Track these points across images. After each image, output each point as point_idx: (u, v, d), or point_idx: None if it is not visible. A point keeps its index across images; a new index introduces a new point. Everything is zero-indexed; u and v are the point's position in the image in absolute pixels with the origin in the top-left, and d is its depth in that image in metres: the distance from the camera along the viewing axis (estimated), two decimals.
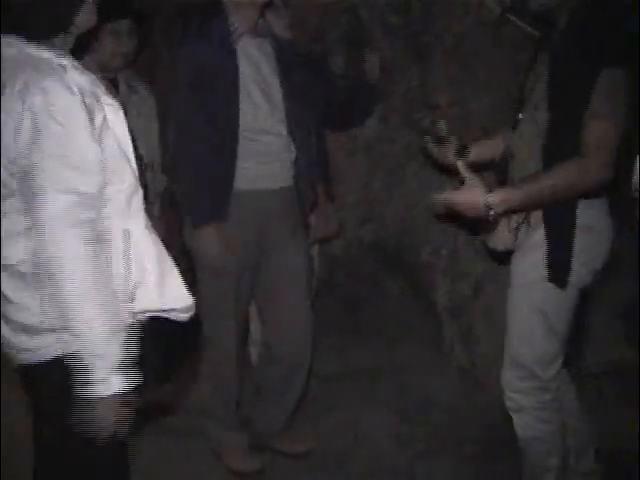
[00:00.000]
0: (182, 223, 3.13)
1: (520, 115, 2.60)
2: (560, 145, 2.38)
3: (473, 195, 2.41)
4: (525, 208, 2.47)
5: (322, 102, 3.33)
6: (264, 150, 3.04)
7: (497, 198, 2.37)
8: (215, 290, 3.08)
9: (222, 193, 2.99)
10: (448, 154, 2.81)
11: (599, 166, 2.27)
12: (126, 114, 1.99)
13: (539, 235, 2.49)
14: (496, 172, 2.69)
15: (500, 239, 2.63)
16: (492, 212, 2.37)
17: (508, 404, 2.67)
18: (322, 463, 3.33)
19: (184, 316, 2.03)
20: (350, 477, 3.25)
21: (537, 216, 2.50)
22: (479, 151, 2.87)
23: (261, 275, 3.19)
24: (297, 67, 3.17)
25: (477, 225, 2.77)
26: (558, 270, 2.45)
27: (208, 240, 2.99)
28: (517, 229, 2.58)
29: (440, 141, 2.85)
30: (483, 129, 3.48)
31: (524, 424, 2.66)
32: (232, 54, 2.98)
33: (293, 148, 3.11)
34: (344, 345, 4.08)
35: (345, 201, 3.98)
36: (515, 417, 2.67)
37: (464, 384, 3.70)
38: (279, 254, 3.17)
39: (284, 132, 3.08)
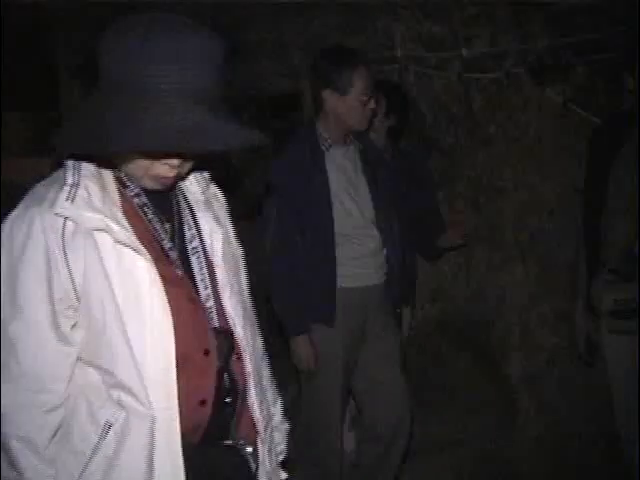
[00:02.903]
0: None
1: None
2: None
3: None
4: None
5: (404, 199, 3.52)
6: (358, 251, 3.21)
7: None
8: (321, 387, 3.26)
9: (326, 298, 3.16)
10: None
11: None
12: None
13: None
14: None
15: None
16: None
17: None
18: None
19: None
20: None
21: None
22: None
23: (358, 362, 3.32)
24: (381, 168, 3.35)
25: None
26: None
27: (302, 347, 3.18)
28: None
29: None
30: (550, 212, 3.69)
31: None
32: (322, 167, 3.15)
33: (384, 247, 3.28)
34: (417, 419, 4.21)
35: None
36: None
37: (541, 452, 3.83)
38: (375, 342, 3.30)
39: (375, 233, 3.25)
